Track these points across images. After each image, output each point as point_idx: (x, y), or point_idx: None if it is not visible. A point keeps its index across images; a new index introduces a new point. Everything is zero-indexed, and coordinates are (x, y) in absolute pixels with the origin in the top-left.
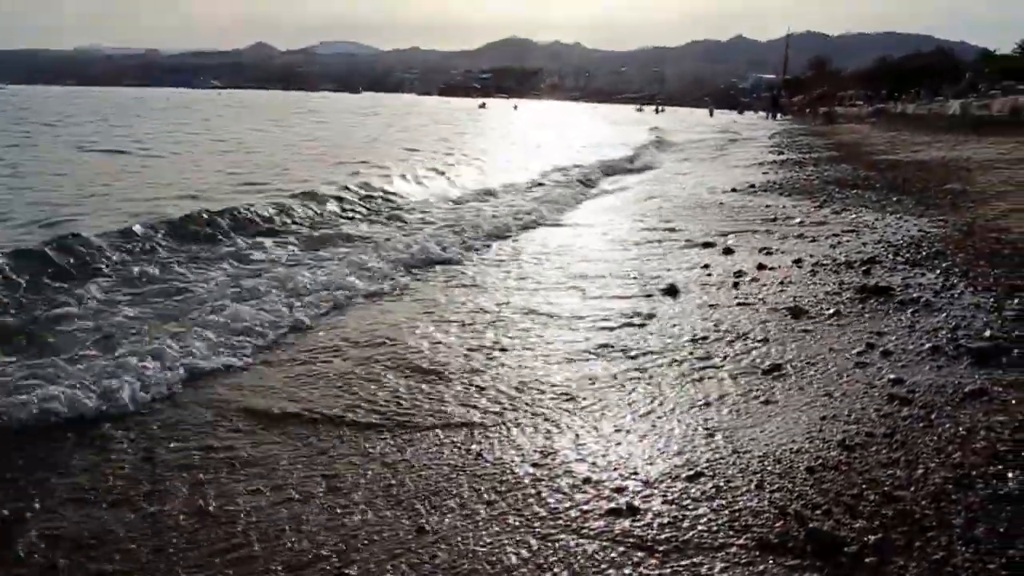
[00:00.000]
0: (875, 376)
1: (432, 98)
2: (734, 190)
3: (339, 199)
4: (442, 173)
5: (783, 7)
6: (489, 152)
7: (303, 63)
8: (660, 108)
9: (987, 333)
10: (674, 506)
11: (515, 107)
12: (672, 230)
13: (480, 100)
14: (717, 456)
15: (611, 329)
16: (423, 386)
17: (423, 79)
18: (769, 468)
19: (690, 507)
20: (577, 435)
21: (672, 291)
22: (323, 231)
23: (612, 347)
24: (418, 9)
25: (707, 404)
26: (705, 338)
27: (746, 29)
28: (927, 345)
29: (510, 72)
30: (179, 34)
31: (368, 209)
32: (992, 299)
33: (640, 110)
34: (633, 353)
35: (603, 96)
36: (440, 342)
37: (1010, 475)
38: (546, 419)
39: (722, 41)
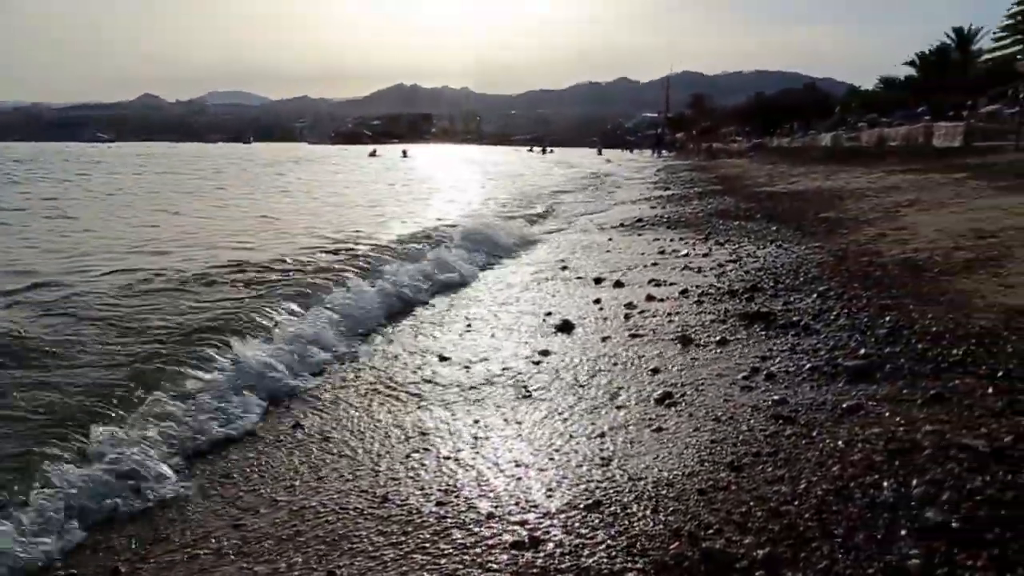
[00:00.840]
0: (760, 399)
1: (330, 147)
2: (622, 225)
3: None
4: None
5: (662, 49)
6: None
7: (193, 114)
8: (550, 149)
9: (861, 351)
10: (574, 536)
11: (404, 153)
12: (565, 267)
13: (372, 147)
14: (613, 484)
15: (508, 368)
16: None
17: (314, 128)
18: (663, 492)
19: (589, 535)
20: (479, 472)
21: (566, 327)
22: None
23: (510, 384)
24: (306, 59)
25: (602, 435)
26: (599, 371)
27: (628, 71)
28: (807, 366)
29: (401, 118)
30: (64, 88)
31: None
32: (866, 319)
33: (531, 151)
34: (530, 390)
35: (495, 139)
36: None
37: (885, 484)
38: (448, 458)
39: (606, 83)
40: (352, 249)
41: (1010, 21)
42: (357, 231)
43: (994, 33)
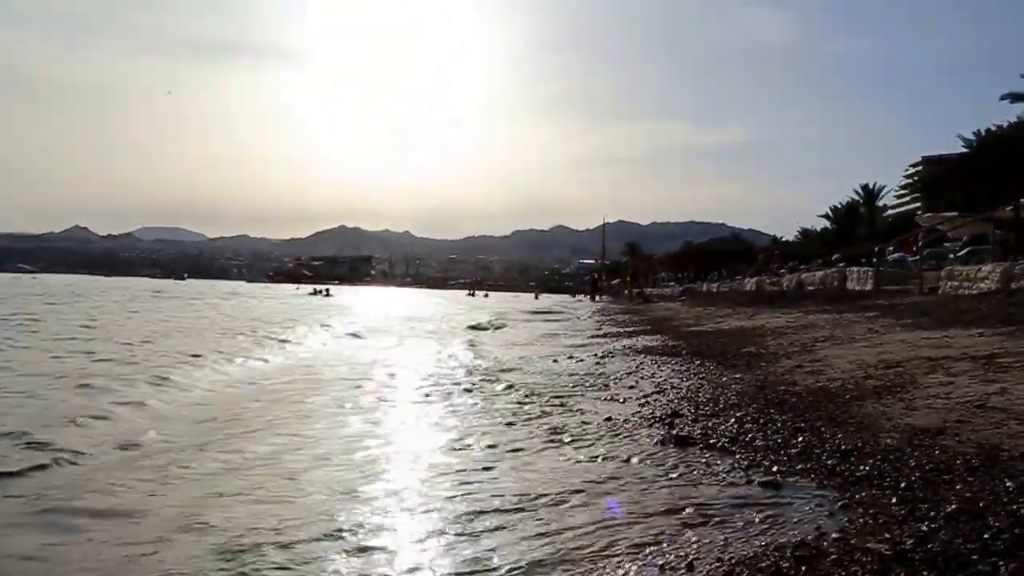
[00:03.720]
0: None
1: (255, 285)
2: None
3: None
4: None
5: (598, 200)
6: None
7: (124, 248)
8: (486, 293)
9: (774, 469)
10: None
11: (326, 292)
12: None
13: (295, 286)
14: None
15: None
16: None
17: (251, 267)
18: None
19: None
20: None
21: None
22: None
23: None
24: (245, 198)
25: None
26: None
27: (566, 219)
28: (723, 482)
29: (340, 260)
30: None
31: None
32: (779, 440)
33: (472, 294)
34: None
35: (435, 283)
36: None
37: None
38: None
39: (544, 230)
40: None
41: (908, 180)
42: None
43: (895, 191)
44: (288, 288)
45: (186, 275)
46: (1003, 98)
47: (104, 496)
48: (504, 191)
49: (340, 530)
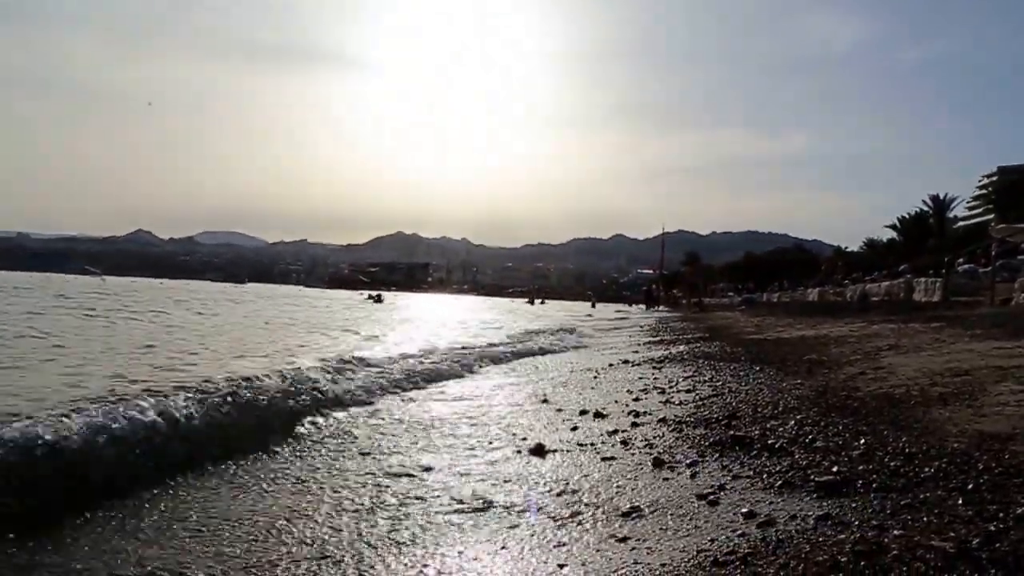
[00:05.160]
0: (729, 510)
1: (326, 290)
2: (610, 366)
3: None
4: None
5: (657, 209)
6: None
7: (185, 252)
8: (543, 300)
9: (834, 469)
10: None
11: (378, 298)
12: (546, 401)
13: (361, 293)
14: None
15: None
16: None
17: (309, 271)
18: None
19: None
20: None
21: (539, 451)
22: None
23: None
24: (305, 203)
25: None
26: (576, 490)
27: (625, 228)
28: (779, 483)
29: (398, 266)
30: (52, 219)
31: None
32: (840, 442)
33: (531, 302)
34: (503, 507)
35: (491, 290)
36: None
37: None
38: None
39: (603, 239)
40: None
41: (982, 191)
42: None
43: (967, 202)
44: (344, 294)
45: (247, 279)
46: None
47: None
48: (562, 199)
49: None
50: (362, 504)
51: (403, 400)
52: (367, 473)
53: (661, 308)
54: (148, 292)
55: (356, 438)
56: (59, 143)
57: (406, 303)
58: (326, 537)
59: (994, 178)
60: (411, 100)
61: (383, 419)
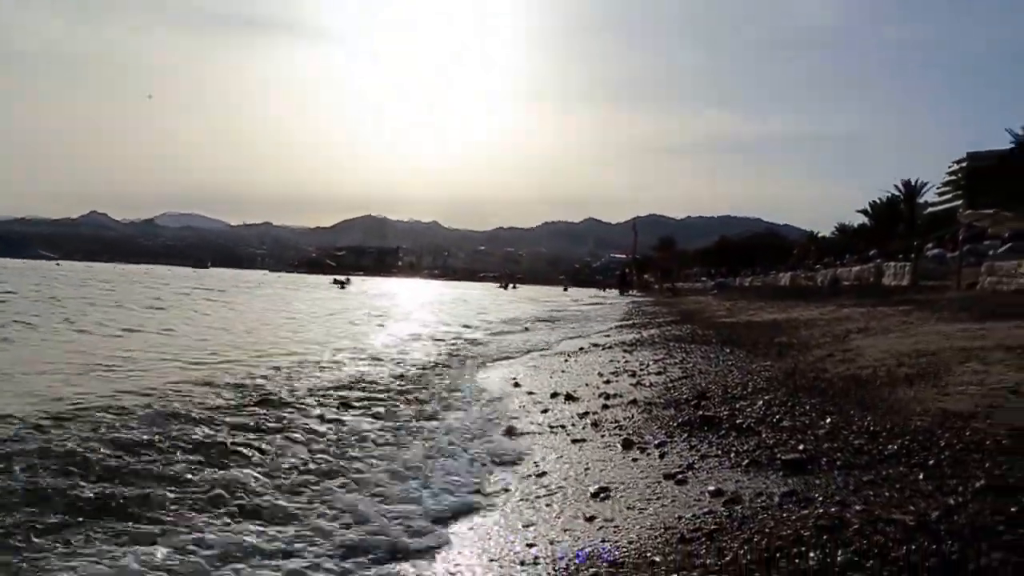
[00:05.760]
0: (697, 489)
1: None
2: (581, 349)
3: None
4: None
5: (630, 193)
6: None
7: (144, 235)
8: (515, 286)
9: (800, 447)
10: None
11: (341, 284)
12: (517, 385)
13: (332, 277)
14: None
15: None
16: None
17: (274, 255)
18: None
19: None
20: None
21: (510, 432)
22: None
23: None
24: (269, 185)
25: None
26: (545, 472)
27: (597, 212)
28: (745, 461)
29: (367, 250)
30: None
31: None
32: (807, 421)
33: (504, 287)
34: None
35: (462, 275)
36: None
37: (811, 554)
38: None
39: (575, 222)
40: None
41: (952, 178)
42: None
43: (937, 188)
44: (311, 279)
45: (210, 264)
46: None
47: None
48: (534, 181)
49: None
50: None
51: None
52: None
53: (634, 293)
54: (122, 281)
55: None
56: (5, 117)
57: (378, 290)
58: None
59: (963, 164)
60: (381, 82)
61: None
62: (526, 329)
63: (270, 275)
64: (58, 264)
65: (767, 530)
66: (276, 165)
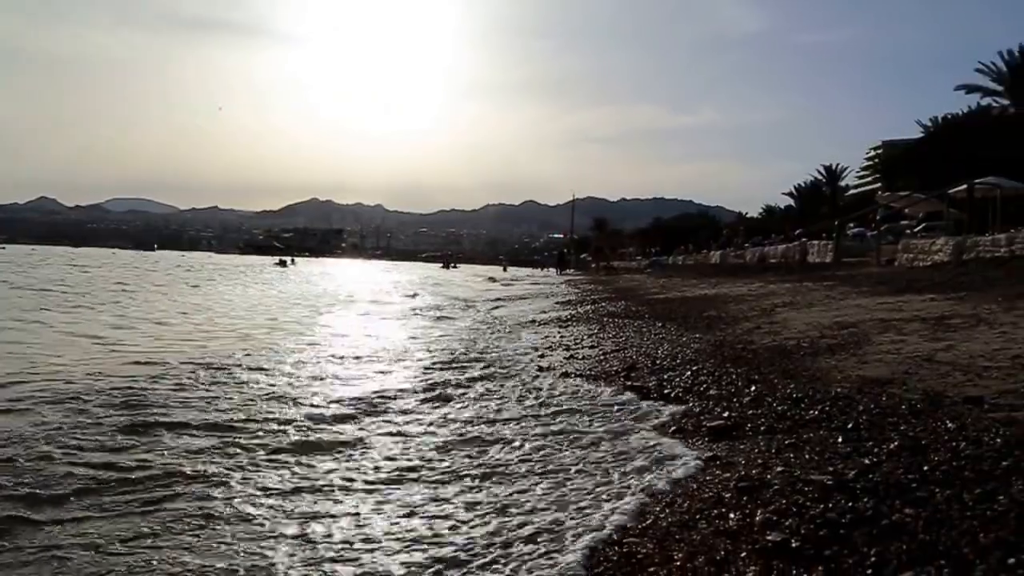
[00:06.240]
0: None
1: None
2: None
3: None
4: None
5: (569, 176)
6: None
7: (92, 219)
8: (455, 265)
9: (725, 415)
10: None
11: (282, 263)
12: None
13: (277, 258)
14: None
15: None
16: None
17: (222, 238)
18: None
19: None
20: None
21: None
22: None
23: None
24: (217, 170)
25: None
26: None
27: (536, 195)
28: (672, 428)
29: (311, 232)
30: None
31: None
32: (732, 390)
33: (446, 267)
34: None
35: (404, 255)
36: None
37: (731, 515)
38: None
39: (515, 205)
40: None
41: (870, 163)
42: None
43: (857, 172)
44: (257, 259)
45: (156, 246)
46: (958, 88)
47: None
48: (476, 167)
49: None
50: None
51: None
52: None
53: (572, 272)
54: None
55: None
56: None
57: (320, 270)
58: None
59: (880, 150)
60: (328, 70)
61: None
62: (469, 307)
63: (215, 256)
64: (3, 248)
65: (690, 492)
66: (226, 152)
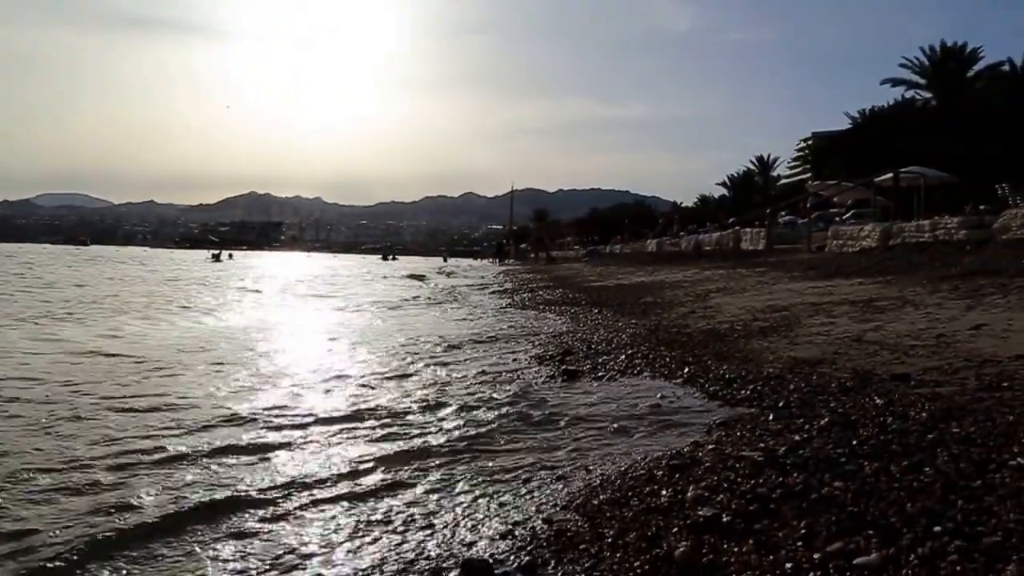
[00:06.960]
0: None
1: (173, 251)
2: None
3: None
4: None
5: (507, 168)
6: None
7: (21, 215)
8: (395, 257)
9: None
10: None
11: (215, 257)
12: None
13: (210, 252)
14: None
15: None
16: None
17: (157, 232)
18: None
19: None
20: None
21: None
22: None
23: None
24: (152, 163)
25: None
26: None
27: (475, 186)
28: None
29: (249, 225)
30: None
31: None
32: (666, 372)
33: (384, 259)
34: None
35: (345, 248)
36: None
37: (663, 492)
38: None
39: (454, 197)
40: None
41: (800, 153)
42: None
43: (788, 162)
44: (189, 254)
45: (87, 241)
46: (883, 82)
47: None
48: (415, 160)
49: None
50: None
51: None
52: None
53: (511, 261)
54: None
55: None
56: None
57: (252, 263)
58: None
59: (810, 141)
60: (266, 64)
61: None
62: (414, 299)
63: (149, 251)
64: None
65: (619, 475)
66: (162, 146)
